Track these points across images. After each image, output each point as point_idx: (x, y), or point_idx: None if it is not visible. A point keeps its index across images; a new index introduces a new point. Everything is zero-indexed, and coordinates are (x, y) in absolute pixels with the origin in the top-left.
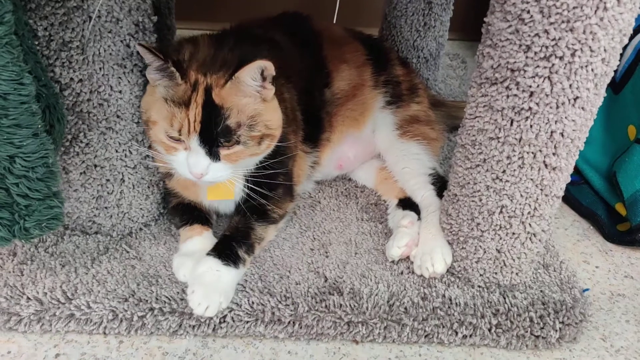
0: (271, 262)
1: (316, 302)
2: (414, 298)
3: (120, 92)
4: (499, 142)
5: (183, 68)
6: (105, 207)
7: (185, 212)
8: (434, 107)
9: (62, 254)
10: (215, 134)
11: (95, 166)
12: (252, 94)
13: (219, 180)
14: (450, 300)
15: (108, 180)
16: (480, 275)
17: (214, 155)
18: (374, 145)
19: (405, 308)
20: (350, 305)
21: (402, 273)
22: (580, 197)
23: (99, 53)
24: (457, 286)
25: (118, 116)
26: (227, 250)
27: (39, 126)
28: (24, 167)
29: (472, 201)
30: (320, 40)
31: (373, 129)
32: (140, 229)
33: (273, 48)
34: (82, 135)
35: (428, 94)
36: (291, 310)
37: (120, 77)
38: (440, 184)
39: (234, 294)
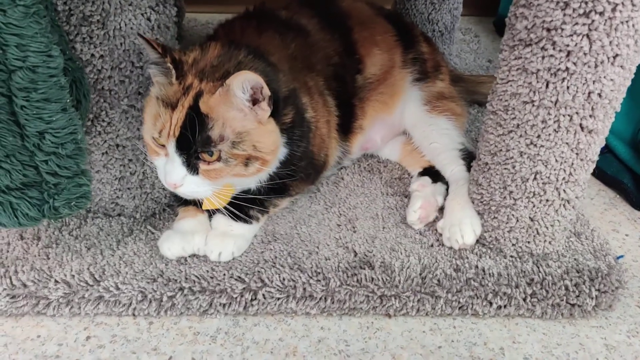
0: (299, 238)
1: (347, 277)
2: (447, 270)
3: (141, 68)
4: (533, 105)
5: (182, 69)
6: (128, 188)
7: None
8: (453, 83)
9: (86, 237)
10: (194, 142)
11: (117, 146)
12: (243, 108)
13: (196, 196)
14: (484, 270)
15: (130, 160)
16: (513, 244)
17: (192, 167)
18: (401, 125)
19: (438, 280)
20: (382, 279)
21: (432, 245)
22: (605, 166)
23: (120, 27)
24: (490, 257)
25: (139, 93)
26: (240, 211)
27: (68, 101)
28: (53, 143)
29: (505, 169)
30: (350, 22)
31: (402, 108)
32: (164, 210)
33: (299, 36)
34: (104, 114)
35: (448, 70)
36: (323, 286)
37: (141, 53)
38: (469, 160)
39: (266, 268)
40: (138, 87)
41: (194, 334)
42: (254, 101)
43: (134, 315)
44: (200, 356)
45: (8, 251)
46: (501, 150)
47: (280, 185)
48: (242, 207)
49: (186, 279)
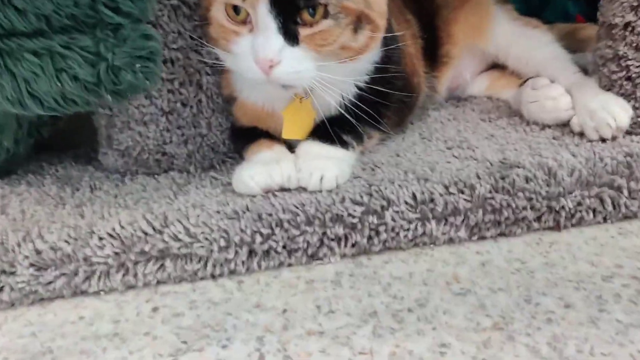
0: (408, 162)
1: (496, 180)
2: (617, 156)
3: None
4: None
5: None
6: (179, 127)
7: (247, 133)
8: None
9: (129, 194)
10: None
11: (165, 62)
12: None
13: (297, 82)
14: None
15: (182, 84)
16: None
17: (290, 35)
18: (492, 53)
19: (610, 168)
20: (540, 177)
21: (578, 144)
22: None
23: None
24: None
25: None
26: (329, 135)
27: None
28: None
29: None
30: None
31: (493, 32)
32: (223, 162)
33: None
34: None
35: None
36: (467, 196)
37: None
38: (584, 71)
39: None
40: None
41: (307, 282)
42: None
43: (213, 277)
44: (327, 302)
45: (24, 219)
46: None
47: (373, 114)
48: (334, 131)
49: (284, 210)
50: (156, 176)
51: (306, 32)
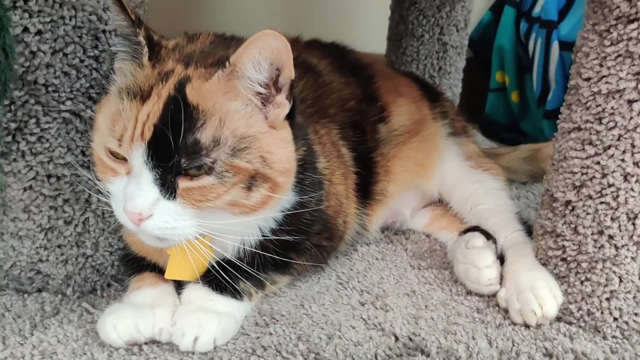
0: (309, 319)
1: None
2: (534, 355)
3: (96, 58)
4: None
5: (158, 52)
6: (59, 246)
7: (137, 260)
8: None
9: None
10: (174, 148)
11: (50, 177)
12: (251, 100)
13: (169, 236)
14: (586, 355)
15: (67, 201)
16: (615, 319)
17: (167, 187)
18: (437, 191)
19: None
20: None
21: (500, 325)
22: None
23: None
24: (584, 338)
25: (90, 97)
26: (221, 282)
27: None
28: None
29: (601, 203)
30: (370, 71)
31: (441, 170)
32: (109, 285)
33: (308, 74)
34: (34, 124)
35: None
36: None
37: (97, 38)
38: (527, 229)
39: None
40: (89, 86)
41: None
42: (265, 96)
43: None
44: None
45: None
46: (593, 178)
47: (279, 260)
48: (229, 276)
49: None
50: (26, 296)
51: (185, 185)
